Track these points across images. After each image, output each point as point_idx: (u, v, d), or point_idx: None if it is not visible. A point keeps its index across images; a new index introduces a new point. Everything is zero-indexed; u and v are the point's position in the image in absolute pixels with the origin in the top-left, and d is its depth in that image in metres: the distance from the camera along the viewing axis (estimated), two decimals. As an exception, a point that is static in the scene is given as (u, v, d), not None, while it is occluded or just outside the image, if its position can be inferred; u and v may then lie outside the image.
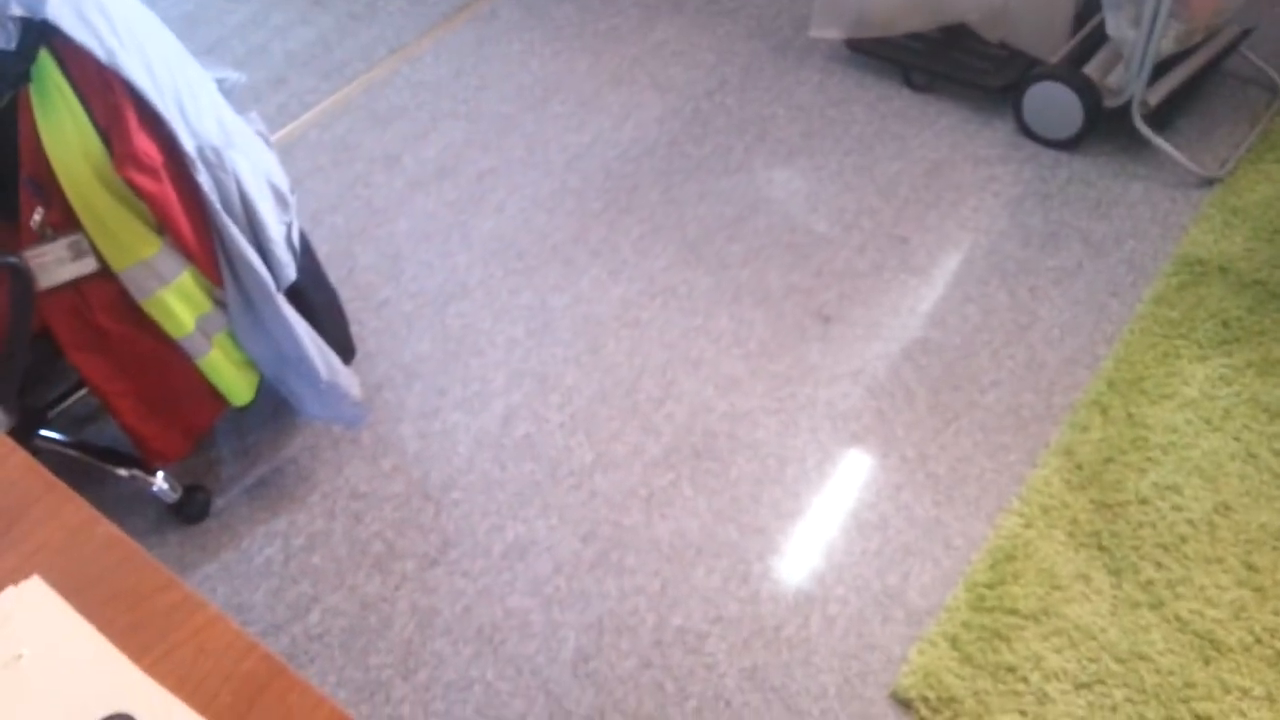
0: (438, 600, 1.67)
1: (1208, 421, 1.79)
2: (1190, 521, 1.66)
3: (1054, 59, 2.34)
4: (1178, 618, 1.55)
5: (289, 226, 1.70)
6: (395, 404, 1.96)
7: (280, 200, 1.70)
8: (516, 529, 1.75)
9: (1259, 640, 1.53)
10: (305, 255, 1.83)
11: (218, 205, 1.57)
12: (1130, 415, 1.81)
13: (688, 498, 1.78)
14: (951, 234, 2.18)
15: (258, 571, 1.72)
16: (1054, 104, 2.28)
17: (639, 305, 2.11)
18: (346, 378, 1.77)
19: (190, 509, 1.80)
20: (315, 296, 1.82)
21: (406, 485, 1.83)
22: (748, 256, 2.19)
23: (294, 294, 1.74)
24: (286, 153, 2.56)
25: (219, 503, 1.83)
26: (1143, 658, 1.52)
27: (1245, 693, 1.48)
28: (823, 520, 1.73)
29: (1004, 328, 1.99)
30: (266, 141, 1.81)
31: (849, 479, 1.79)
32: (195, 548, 1.77)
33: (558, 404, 1.94)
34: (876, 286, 2.10)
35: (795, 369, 1.96)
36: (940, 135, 2.40)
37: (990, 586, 1.61)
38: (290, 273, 1.68)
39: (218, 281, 1.61)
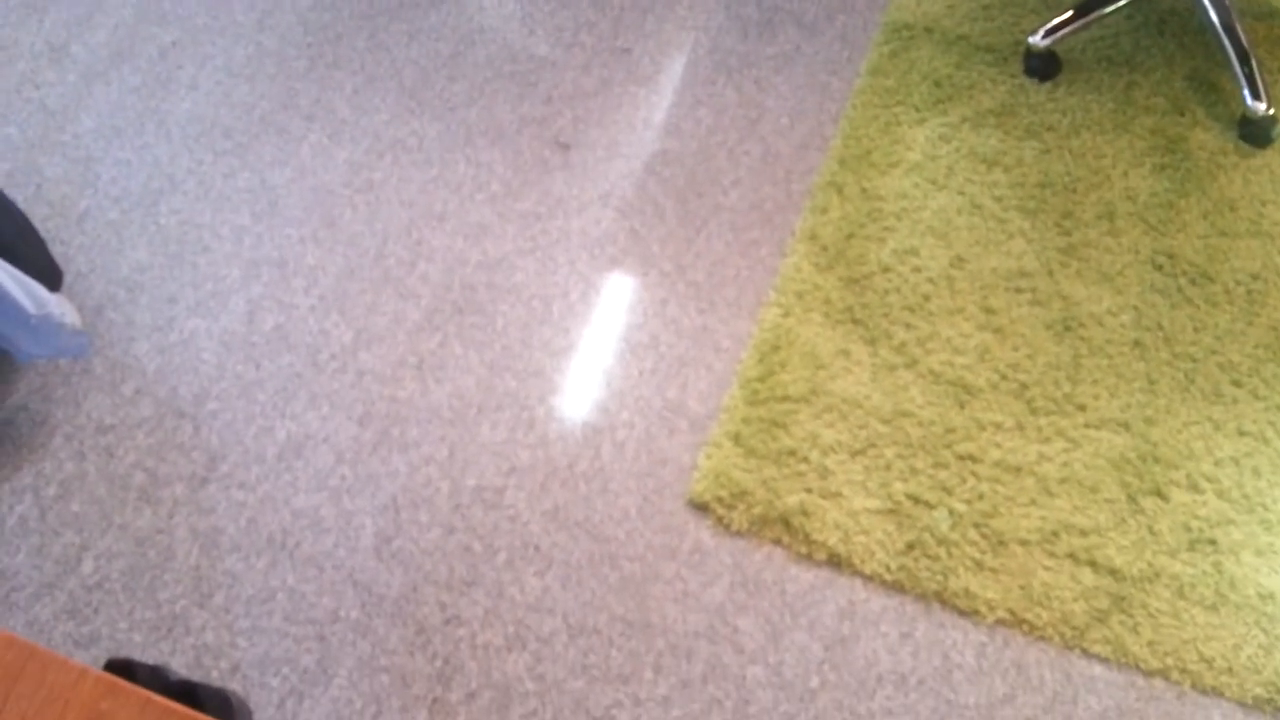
0: (218, 519, 1.59)
1: (933, 182, 1.87)
2: (930, 280, 1.76)
3: None
4: (931, 371, 1.66)
5: (-59, 152, 1.49)
6: (123, 323, 1.81)
7: (-78, 124, 1.48)
8: (287, 427, 1.68)
9: (1004, 377, 1.66)
10: (-27, 180, 1.62)
11: None
12: (864, 189, 1.87)
13: (459, 356, 1.74)
14: (672, 37, 2.14)
15: (13, 533, 1.58)
16: (749, -116, 2.24)
17: (368, 166, 1.99)
18: (58, 306, 1.61)
19: (-85, 484, 1.62)
20: (-3, 225, 1.62)
21: (155, 407, 1.71)
22: (472, 94, 2.09)
23: (-30, 227, 1.54)
24: (-74, 62, 2.23)
25: (-52, 470, 1.66)
26: (905, 414, 1.62)
27: (998, 426, 1.61)
28: (596, 350, 1.74)
29: (736, 125, 2.00)
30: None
31: (614, 304, 1.79)
32: (-67, 524, 1.61)
33: (303, 287, 1.83)
34: (608, 104, 2.05)
35: (543, 204, 1.92)
36: (643, -66, 2.32)
37: (761, 379, 1.67)
38: (-43, 205, 1.48)
39: None
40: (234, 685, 1.43)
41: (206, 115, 2.09)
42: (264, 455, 1.65)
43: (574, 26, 2.17)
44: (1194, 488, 1.54)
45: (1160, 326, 1.69)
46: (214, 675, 1.44)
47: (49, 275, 1.73)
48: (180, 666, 1.44)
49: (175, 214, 1.94)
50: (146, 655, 1.45)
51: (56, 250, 1.86)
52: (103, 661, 1.31)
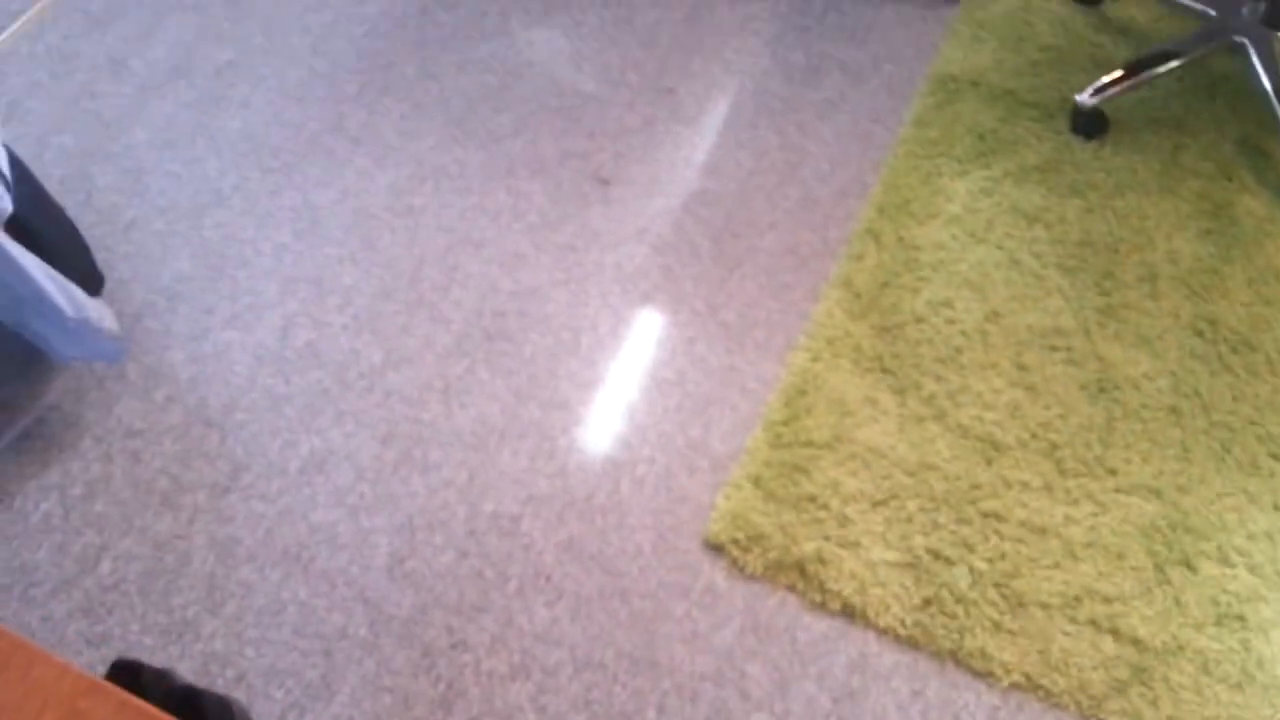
0: (236, 529, 1.60)
1: (972, 234, 1.86)
2: (964, 333, 1.74)
3: (799, -114, 2.30)
4: (959, 425, 1.64)
5: (-6, 154, 1.53)
6: (160, 331, 1.83)
7: (-22, 126, 1.52)
8: (311, 442, 1.69)
9: (1034, 436, 1.63)
10: (24, 183, 1.66)
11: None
12: (901, 239, 1.86)
13: (485, 382, 1.74)
14: (717, 79, 2.15)
15: (37, 529, 1.60)
16: (804, -67, 2.26)
17: (410, 191, 2.01)
18: (97, 310, 1.63)
19: (-55, 477, 1.65)
20: (43, 227, 1.65)
21: (184, 415, 1.73)
22: (517, 125, 2.11)
23: (17, 228, 1.57)
24: (-6, 69, 2.30)
25: (-22, 465, 1.68)
26: (931, 468, 1.60)
27: (1025, 485, 1.58)
28: (622, 384, 1.73)
29: (776, 169, 2.00)
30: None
31: (643, 339, 1.79)
32: (-41, 517, 1.63)
33: (337, 306, 1.85)
34: (650, 142, 2.06)
35: (579, 237, 1.93)
36: (697, -23, 2.35)
37: (786, 423, 1.65)
38: (5, 204, 1.52)
39: (-80, 227, 1.44)
40: (238, 694, 1.43)
41: (256, 133, 2.13)
42: (287, 468, 1.66)
43: (620, 65, 2.19)
44: (1225, 561, 1.50)
45: (1198, 394, 1.66)
46: (219, 683, 1.44)
47: (90, 280, 1.76)
48: (187, 672, 1.44)
49: (219, 228, 1.98)
50: (155, 659, 1.45)
51: (101, 256, 1.90)
52: (110, 662, 1.32)
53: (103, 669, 1.34)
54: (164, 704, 1.34)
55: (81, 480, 1.65)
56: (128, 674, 1.32)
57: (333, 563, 1.56)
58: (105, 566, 1.56)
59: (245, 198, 2.02)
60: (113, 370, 1.79)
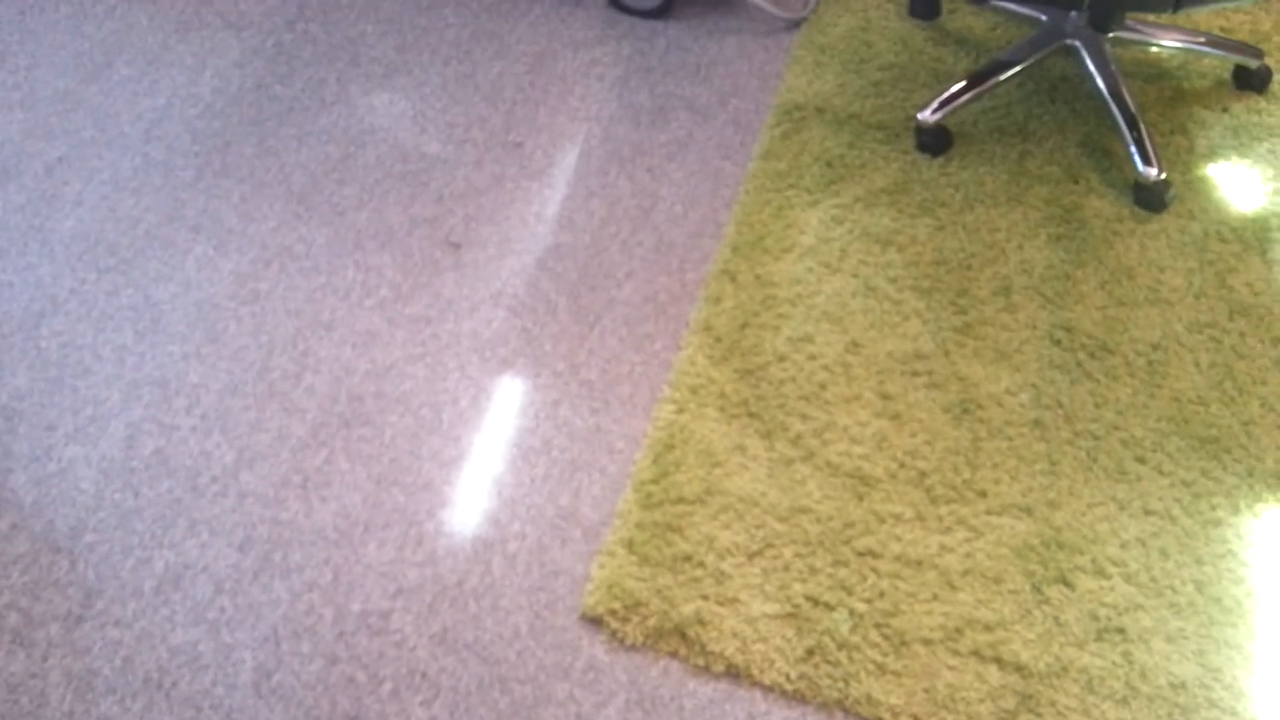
0: (93, 660, 1.51)
1: (827, 265, 1.85)
2: (826, 367, 1.72)
3: (628, -74, 2.29)
4: (828, 464, 1.62)
5: None
6: (0, 455, 1.74)
7: None
8: (165, 557, 1.61)
9: (902, 465, 1.62)
10: None
11: None
12: (757, 276, 1.84)
13: (345, 472, 1.68)
14: (564, 129, 2.12)
15: None
16: (638, -27, 2.25)
17: (255, 277, 1.94)
18: (-83, 447, 1.54)
19: None
20: None
21: (31, 542, 1.63)
22: (363, 197, 2.05)
23: None
24: None
25: None
26: (803, 510, 1.58)
27: (897, 518, 1.57)
28: (487, 458, 1.68)
29: (629, 216, 1.97)
30: None
31: (506, 408, 1.74)
32: None
33: (185, 407, 1.77)
34: (500, 200, 2.02)
35: (433, 307, 1.88)
36: (536, 26, 2.32)
37: (655, 481, 1.62)
38: None
39: None
40: (99, 847, 1.34)
41: (91, 232, 2.04)
42: (141, 589, 1.58)
43: (465, 123, 2.15)
44: (1100, 573, 1.50)
45: (1060, 404, 1.66)
46: (78, 838, 1.35)
47: (-87, 412, 1.66)
48: (42, 830, 1.35)
49: (56, 336, 1.88)
50: (7, 819, 1.37)
51: (-73, 382, 1.80)
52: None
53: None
54: None
55: (-82, 629, 1.55)
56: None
57: (196, 686, 1.48)
58: (-52, 722, 1.46)
59: (82, 301, 1.93)
60: (-52, 504, 1.69)
